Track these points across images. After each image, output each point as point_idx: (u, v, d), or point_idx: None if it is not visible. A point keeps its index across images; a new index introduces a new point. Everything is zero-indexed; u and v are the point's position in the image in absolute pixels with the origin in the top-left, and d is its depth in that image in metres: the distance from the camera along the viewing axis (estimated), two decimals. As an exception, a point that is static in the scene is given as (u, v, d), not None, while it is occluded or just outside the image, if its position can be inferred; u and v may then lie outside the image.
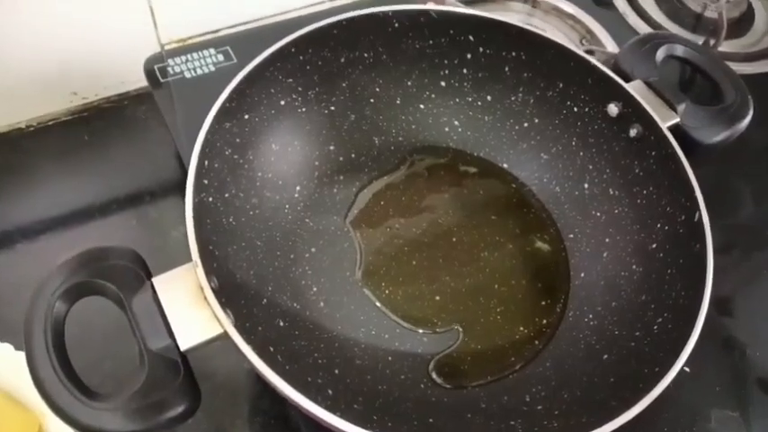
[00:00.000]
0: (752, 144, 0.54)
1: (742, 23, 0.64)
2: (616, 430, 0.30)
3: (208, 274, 0.31)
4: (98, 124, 0.55)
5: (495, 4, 0.62)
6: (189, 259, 0.32)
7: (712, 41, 0.59)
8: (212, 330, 0.30)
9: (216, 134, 0.36)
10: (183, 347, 0.30)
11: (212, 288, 0.31)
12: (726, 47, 0.60)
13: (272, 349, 0.34)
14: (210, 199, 0.36)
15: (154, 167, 0.53)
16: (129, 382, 0.29)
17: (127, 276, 0.31)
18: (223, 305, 0.31)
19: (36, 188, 0.50)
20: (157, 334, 0.30)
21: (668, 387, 0.39)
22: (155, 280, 0.31)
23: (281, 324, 0.37)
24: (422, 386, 0.38)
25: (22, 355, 0.34)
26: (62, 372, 0.28)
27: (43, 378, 0.28)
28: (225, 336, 0.30)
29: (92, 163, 0.52)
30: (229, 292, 0.34)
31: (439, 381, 0.38)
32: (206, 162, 0.35)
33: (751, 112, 0.42)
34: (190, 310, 0.31)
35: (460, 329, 0.40)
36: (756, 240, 0.50)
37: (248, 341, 0.30)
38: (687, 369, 0.41)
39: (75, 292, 0.30)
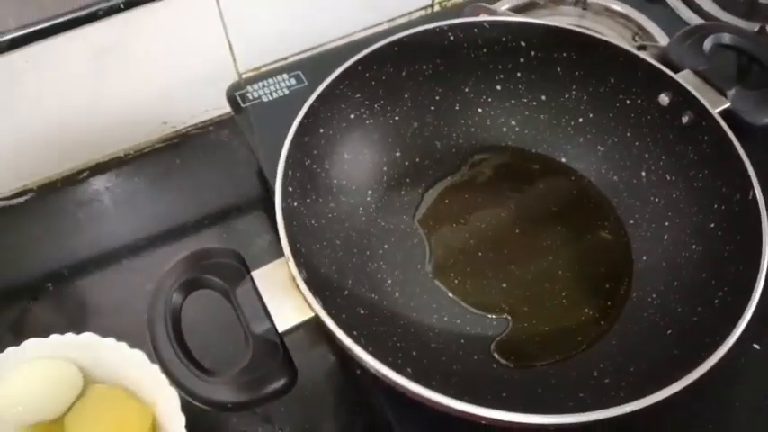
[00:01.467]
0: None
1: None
2: (690, 409, 0.31)
3: (298, 266, 0.36)
4: (187, 149, 0.61)
5: (545, 9, 0.65)
6: (275, 260, 0.36)
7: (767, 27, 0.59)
8: (305, 314, 0.35)
9: (296, 148, 0.41)
10: (280, 329, 0.34)
11: (303, 278, 0.35)
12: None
13: (355, 333, 0.38)
14: (295, 204, 0.41)
15: (238, 185, 0.59)
16: (238, 361, 0.34)
17: (230, 271, 0.36)
18: (313, 293, 0.35)
19: (136, 210, 0.56)
20: (258, 319, 0.35)
21: (740, 362, 0.41)
22: (254, 273, 0.36)
23: (362, 312, 0.41)
24: (494, 366, 0.41)
25: (136, 352, 0.40)
26: (181, 353, 0.34)
27: (166, 359, 0.33)
28: (316, 319, 0.34)
29: (183, 184, 0.58)
30: (316, 284, 0.38)
31: (508, 361, 0.40)
32: (290, 172, 0.40)
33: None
34: (284, 297, 0.35)
35: (527, 313, 0.43)
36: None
37: (337, 322, 0.34)
38: (757, 346, 0.43)
39: (188, 286, 0.35)
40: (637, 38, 0.62)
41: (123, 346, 0.41)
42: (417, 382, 0.32)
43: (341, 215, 0.45)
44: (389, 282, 0.44)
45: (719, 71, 0.44)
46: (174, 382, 0.33)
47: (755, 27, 0.60)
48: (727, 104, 0.43)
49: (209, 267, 0.36)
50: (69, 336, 0.41)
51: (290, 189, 0.40)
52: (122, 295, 0.51)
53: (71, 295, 0.51)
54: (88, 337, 0.41)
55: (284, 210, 0.37)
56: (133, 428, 0.39)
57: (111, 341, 0.41)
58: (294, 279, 0.35)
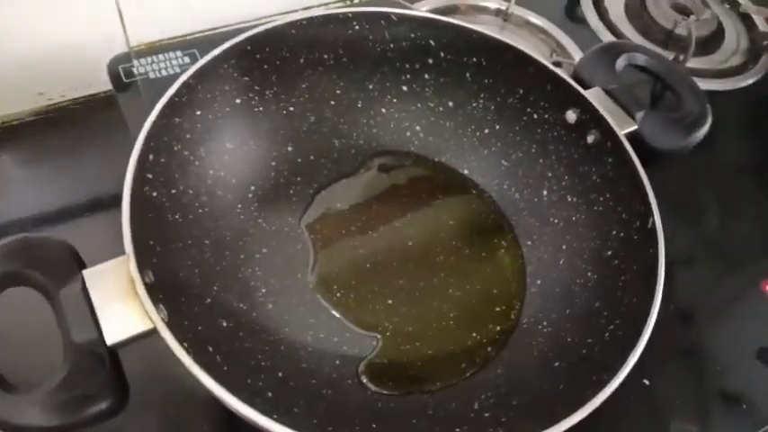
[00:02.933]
0: (718, 157, 0.54)
1: (712, 41, 0.65)
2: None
3: (143, 267, 0.30)
4: (63, 125, 0.54)
5: (466, 16, 0.63)
6: None
7: (681, 57, 0.59)
8: (142, 325, 0.29)
9: (163, 128, 0.35)
10: (109, 341, 0.29)
11: (146, 282, 0.30)
12: (696, 63, 0.61)
13: (210, 349, 0.33)
14: (155, 194, 0.35)
15: (119, 171, 0.52)
16: (52, 376, 0.28)
17: (57, 268, 0.30)
18: (157, 300, 0.30)
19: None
20: (83, 326, 0.29)
21: (628, 399, 0.39)
22: (85, 272, 0.30)
23: (225, 324, 0.36)
24: (368, 392, 0.37)
25: None
26: (-19, 363, 0.27)
27: (-40, 369, 0.27)
28: (155, 332, 0.29)
29: (55, 165, 0.51)
30: (168, 289, 0.33)
31: (382, 387, 0.37)
32: (150, 156, 0.34)
33: (709, 121, 0.42)
34: (120, 303, 0.30)
35: (412, 334, 0.39)
36: (718, 252, 0.50)
37: (181, 338, 0.29)
38: (647, 382, 0.41)
39: (3, 282, 0.29)
40: (554, 54, 0.61)
41: None
42: (268, 415, 0.28)
43: (214, 211, 0.40)
44: (263, 291, 0.39)
45: (630, 92, 0.42)
46: (-35, 398, 0.27)
47: (671, 56, 0.59)
48: (635, 126, 0.41)
49: (31, 260, 0.30)
50: None
51: (150, 176, 0.35)
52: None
53: None
54: None
55: (134, 198, 0.32)
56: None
57: None
58: (134, 282, 0.30)
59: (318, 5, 0.63)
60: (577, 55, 0.59)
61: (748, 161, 0.57)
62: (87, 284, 0.30)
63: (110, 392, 0.28)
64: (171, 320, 0.30)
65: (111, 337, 0.29)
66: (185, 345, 0.29)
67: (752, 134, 0.60)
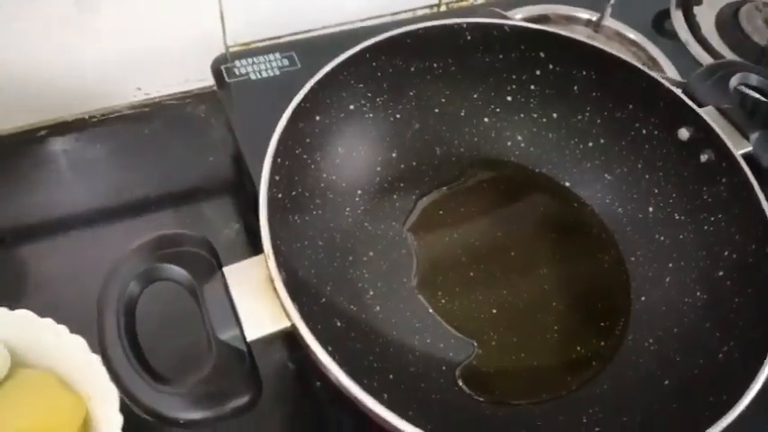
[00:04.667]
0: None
1: (807, 58, 0.63)
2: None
3: (278, 266, 0.32)
4: (158, 120, 0.56)
5: (557, 25, 0.62)
6: (241, 257, 0.32)
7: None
8: (279, 323, 0.31)
9: (290, 133, 0.36)
10: (249, 338, 0.30)
11: (282, 280, 0.31)
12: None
13: (329, 348, 0.34)
14: (280, 195, 0.36)
15: (210, 166, 0.54)
16: (197, 369, 0.29)
17: (199, 264, 0.31)
18: (291, 299, 0.31)
19: (94, 178, 0.51)
20: (226, 323, 0.30)
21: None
22: (226, 270, 0.32)
23: (339, 324, 0.37)
24: (476, 400, 0.37)
25: (76, 338, 0.36)
26: (132, 353, 0.29)
27: (113, 357, 0.29)
28: (290, 329, 0.30)
29: (149, 158, 0.53)
30: (293, 288, 0.34)
31: (490, 396, 0.37)
32: (278, 159, 0.35)
33: (827, 146, 0.41)
34: (258, 301, 0.31)
35: (517, 345, 0.40)
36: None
37: (315, 336, 0.30)
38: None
39: (149, 276, 0.31)
40: (646, 68, 0.60)
41: (63, 329, 0.37)
42: (395, 413, 0.28)
43: (326, 213, 0.41)
44: (371, 293, 0.40)
45: (743, 112, 0.41)
46: (120, 386, 0.28)
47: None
48: (749, 148, 0.40)
49: (174, 256, 0.31)
50: (2, 310, 0.37)
51: (277, 178, 0.36)
52: (69, 271, 0.45)
53: (11, 265, 0.45)
54: (23, 314, 0.37)
55: (269, 200, 0.33)
56: (62, 421, 0.35)
57: (48, 322, 0.37)
58: (272, 281, 0.31)
59: (405, 11, 0.64)
60: (669, 69, 0.59)
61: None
62: (228, 281, 0.31)
63: (249, 387, 0.29)
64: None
65: (251, 334, 0.30)
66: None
67: None
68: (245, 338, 0.30)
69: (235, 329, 0.30)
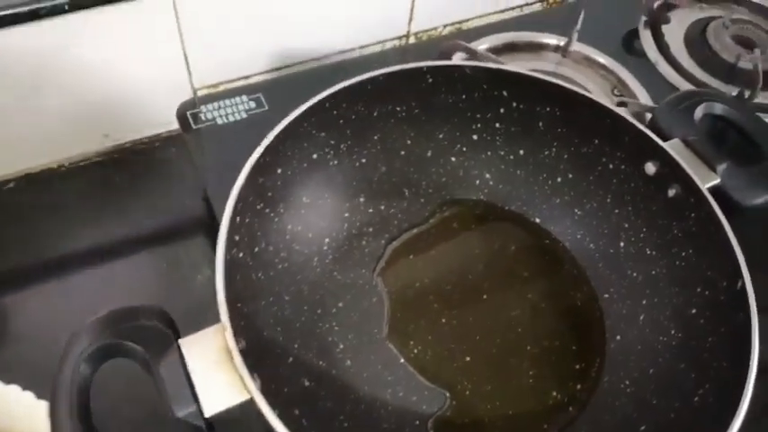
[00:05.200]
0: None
1: (777, 75, 0.63)
2: None
3: (236, 334, 0.31)
4: (128, 165, 0.56)
5: (524, 53, 0.62)
6: (216, 306, 0.31)
7: (747, 93, 0.58)
8: (238, 396, 0.30)
9: (249, 190, 0.36)
10: (207, 413, 0.29)
11: (240, 350, 0.30)
12: (761, 98, 0.59)
13: (297, 412, 0.33)
14: (241, 255, 0.36)
15: (182, 210, 0.53)
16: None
17: (154, 337, 0.31)
18: (251, 368, 0.30)
19: (66, 228, 0.50)
20: (183, 400, 0.29)
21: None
22: (182, 342, 0.31)
23: (307, 384, 0.36)
24: (451, 453, 0.36)
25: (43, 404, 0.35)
26: (85, 436, 0.28)
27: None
28: (251, 401, 0.29)
29: (121, 203, 0.53)
30: (257, 352, 0.33)
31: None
32: (238, 219, 0.35)
33: (795, 175, 0.41)
34: (216, 373, 0.30)
35: (491, 393, 0.39)
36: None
37: (273, 404, 0.29)
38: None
39: (102, 355, 0.30)
40: (616, 91, 0.60)
41: (29, 396, 0.36)
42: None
43: (293, 266, 0.40)
44: (341, 346, 0.39)
45: (710, 143, 0.41)
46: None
47: (734, 91, 0.58)
48: (717, 180, 0.40)
49: (129, 331, 0.30)
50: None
51: (237, 238, 0.35)
52: (36, 321, 0.45)
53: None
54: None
55: (227, 264, 0.32)
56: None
57: (14, 388, 0.36)
58: (230, 352, 0.30)
59: (374, 43, 0.64)
60: (639, 92, 0.58)
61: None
62: (184, 354, 0.30)
63: (209, 467, 0.29)
64: (263, 387, 0.31)
65: (209, 409, 0.29)
66: (277, 411, 0.30)
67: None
68: (203, 414, 0.29)
69: (192, 406, 0.29)
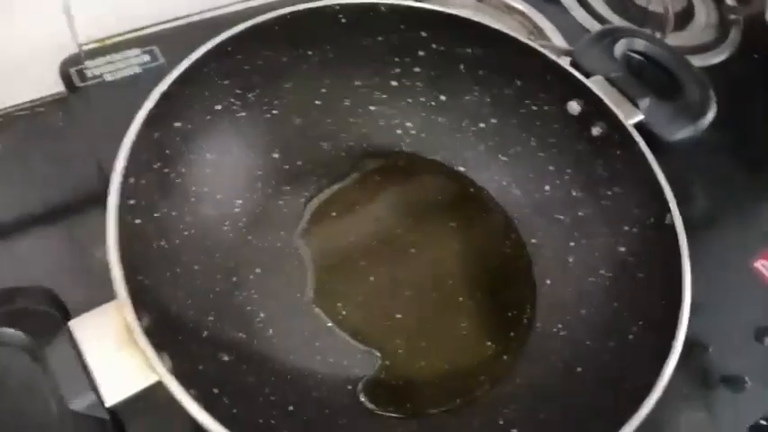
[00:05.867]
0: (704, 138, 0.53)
1: (683, 17, 0.64)
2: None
3: (138, 310, 0.27)
4: (9, 134, 0.49)
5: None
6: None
7: (658, 35, 0.58)
8: (145, 379, 0.26)
9: (141, 146, 0.31)
10: (109, 402, 0.25)
11: (144, 328, 0.27)
12: (669, 40, 0.60)
13: (216, 391, 0.30)
14: (138, 221, 0.31)
15: (75, 180, 0.47)
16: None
17: (39, 321, 0.26)
18: (158, 347, 0.26)
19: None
20: (78, 389, 0.25)
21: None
22: (72, 323, 0.27)
23: (226, 359, 0.33)
24: (387, 416, 0.34)
25: None
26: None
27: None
28: (160, 384, 0.26)
29: (4, 175, 0.46)
30: (164, 329, 0.29)
31: (401, 410, 0.34)
32: (131, 180, 0.30)
33: (714, 107, 0.41)
34: (116, 356, 0.26)
35: (425, 349, 0.37)
36: (711, 236, 0.49)
37: (187, 385, 0.26)
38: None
39: (-24, 343, 0.25)
40: (532, 37, 0.58)
41: None
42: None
43: (201, 232, 0.36)
44: (261, 315, 0.36)
45: (632, 80, 0.40)
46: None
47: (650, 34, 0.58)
48: (641, 116, 0.39)
49: (7, 316, 0.26)
50: None
51: (133, 202, 0.31)
52: None
53: None
54: None
55: (122, 231, 0.28)
56: None
57: None
58: (131, 330, 0.26)
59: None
60: (555, 36, 0.58)
61: (722, 139, 0.56)
62: (76, 337, 0.26)
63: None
64: (174, 367, 0.27)
65: (111, 398, 0.25)
66: (192, 392, 0.26)
67: (726, 112, 0.60)
68: (104, 404, 0.25)
69: (90, 395, 0.25)
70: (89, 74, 0.48)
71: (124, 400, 0.26)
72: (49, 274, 0.43)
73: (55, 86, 0.50)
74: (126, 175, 0.30)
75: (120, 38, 0.52)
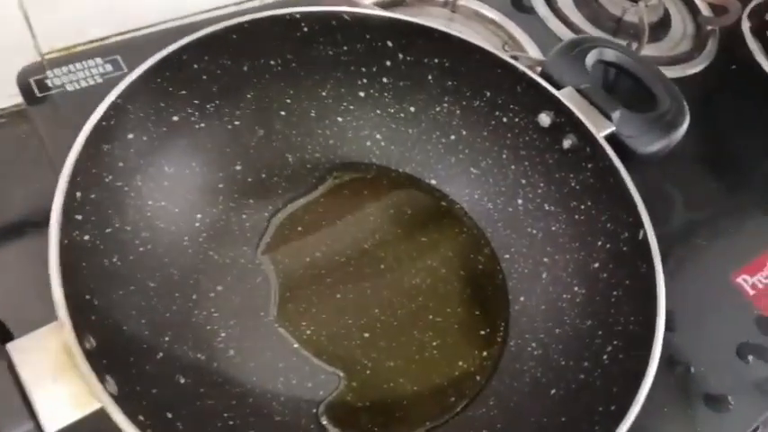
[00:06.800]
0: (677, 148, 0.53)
1: (660, 28, 0.64)
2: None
3: (81, 331, 0.25)
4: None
5: (413, 8, 0.59)
6: None
7: (634, 45, 0.58)
8: (87, 405, 0.24)
9: (90, 160, 0.30)
10: (49, 431, 0.24)
11: (87, 350, 0.25)
12: (646, 51, 0.60)
13: (169, 415, 0.28)
14: (87, 237, 0.30)
15: (36, 195, 0.46)
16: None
17: (-28, 344, 0.24)
18: (102, 369, 0.25)
19: None
20: (14, 417, 0.24)
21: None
22: (11, 346, 0.25)
23: (182, 381, 0.31)
24: (354, 441, 0.33)
25: None
26: None
27: None
28: (103, 410, 0.24)
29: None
30: (113, 351, 0.28)
31: (372, 434, 0.33)
32: (78, 194, 0.29)
33: (687, 119, 0.40)
34: (58, 381, 0.24)
35: (394, 369, 0.36)
36: (690, 250, 0.49)
37: (135, 411, 0.24)
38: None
39: None
40: (507, 47, 0.58)
41: None
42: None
43: (158, 248, 0.34)
44: (222, 335, 0.35)
45: (603, 91, 0.39)
46: None
47: (623, 44, 0.58)
48: (612, 128, 0.38)
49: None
50: None
51: (80, 217, 0.29)
52: None
53: None
54: None
55: (64, 249, 0.27)
56: None
57: None
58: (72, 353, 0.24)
59: (253, -1, 0.58)
60: (530, 46, 0.57)
61: (700, 151, 0.56)
62: (15, 361, 0.24)
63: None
64: (121, 391, 0.26)
65: (51, 426, 0.24)
66: (141, 418, 0.25)
67: (704, 123, 0.60)
68: (41, 434, 0.24)
69: (27, 423, 0.24)
70: (50, 83, 0.46)
71: (65, 428, 0.24)
72: (3, 294, 0.41)
73: (18, 97, 0.48)
74: (71, 190, 0.28)
75: (83, 47, 0.50)
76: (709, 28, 0.64)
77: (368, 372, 0.35)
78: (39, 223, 0.44)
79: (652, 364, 0.29)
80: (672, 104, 0.40)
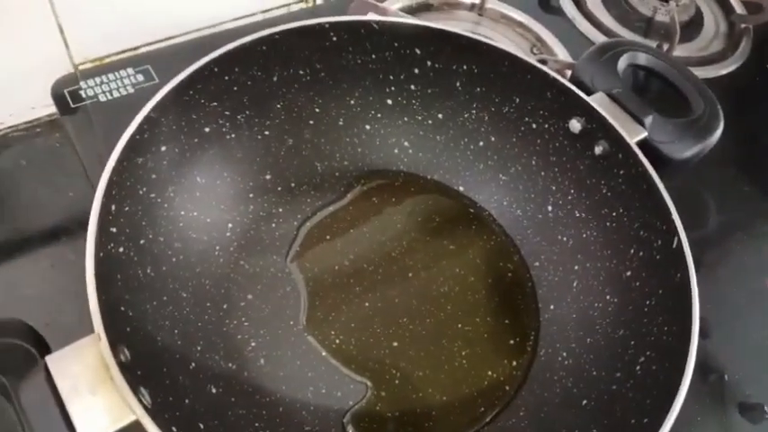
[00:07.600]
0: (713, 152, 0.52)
1: (691, 27, 0.62)
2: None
3: (116, 344, 0.26)
4: (5, 156, 0.48)
5: (440, 12, 0.59)
6: None
7: (665, 46, 0.57)
8: (123, 418, 0.25)
9: (125, 173, 0.30)
10: (86, 444, 0.24)
11: (122, 362, 0.25)
12: (678, 51, 0.58)
13: (202, 426, 0.29)
14: (121, 249, 0.30)
15: (70, 203, 0.47)
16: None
17: (13, 356, 0.25)
18: (137, 382, 0.25)
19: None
20: (54, 429, 0.24)
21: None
22: (49, 359, 0.25)
23: (214, 391, 0.32)
24: (383, 450, 0.33)
25: None
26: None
27: None
28: (138, 423, 0.25)
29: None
30: (147, 362, 0.28)
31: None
32: (113, 207, 0.29)
33: (722, 124, 0.39)
34: (94, 393, 0.25)
35: (422, 379, 0.35)
36: (724, 254, 0.48)
37: (168, 423, 0.25)
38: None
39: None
40: (535, 49, 0.57)
41: None
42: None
43: (190, 258, 0.35)
44: (253, 344, 0.35)
45: (635, 95, 0.39)
46: None
47: (653, 45, 0.57)
48: (645, 134, 0.38)
49: (-21, 353, 0.25)
50: None
51: (114, 230, 0.30)
52: None
53: None
54: None
55: (99, 263, 0.27)
56: None
57: None
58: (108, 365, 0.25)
59: (279, 6, 0.58)
60: (558, 49, 0.56)
61: (733, 153, 0.55)
62: (53, 373, 0.25)
63: None
64: (155, 403, 0.26)
65: (87, 439, 0.24)
66: (174, 429, 0.25)
67: (736, 125, 0.59)
68: (79, 446, 0.24)
69: (65, 436, 0.24)
70: (83, 94, 0.47)
71: (103, 441, 0.24)
72: (40, 300, 0.42)
73: (52, 107, 0.50)
74: (107, 203, 0.29)
75: (115, 57, 0.51)
76: (743, 26, 0.63)
77: (396, 381, 0.35)
78: (72, 231, 0.46)
79: (686, 376, 0.29)
80: (706, 109, 0.39)
